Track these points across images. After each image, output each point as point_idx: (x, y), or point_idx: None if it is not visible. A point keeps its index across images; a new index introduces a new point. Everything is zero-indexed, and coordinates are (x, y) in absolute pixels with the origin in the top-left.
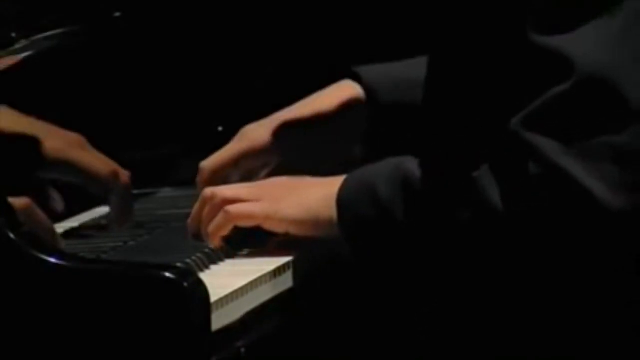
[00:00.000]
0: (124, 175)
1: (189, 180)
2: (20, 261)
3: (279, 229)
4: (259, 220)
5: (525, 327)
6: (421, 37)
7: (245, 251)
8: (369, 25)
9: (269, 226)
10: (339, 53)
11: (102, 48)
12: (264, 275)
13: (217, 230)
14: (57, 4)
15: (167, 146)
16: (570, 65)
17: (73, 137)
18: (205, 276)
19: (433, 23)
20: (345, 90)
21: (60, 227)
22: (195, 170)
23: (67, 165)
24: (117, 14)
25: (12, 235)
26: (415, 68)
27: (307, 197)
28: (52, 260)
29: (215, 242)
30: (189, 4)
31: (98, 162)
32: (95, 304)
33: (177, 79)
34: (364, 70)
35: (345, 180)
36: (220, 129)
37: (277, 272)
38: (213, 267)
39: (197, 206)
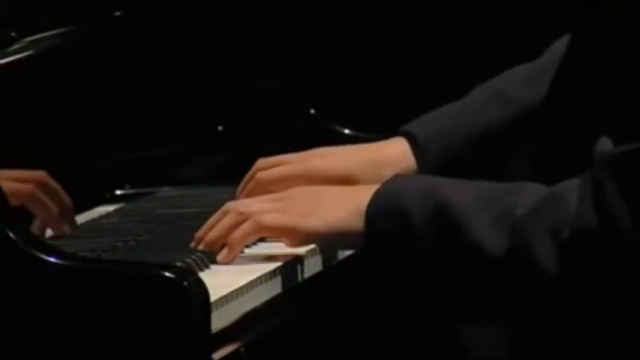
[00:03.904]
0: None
1: (188, 180)
2: (20, 261)
3: (305, 242)
4: (286, 232)
5: (531, 330)
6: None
7: (245, 251)
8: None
9: (295, 239)
10: (338, 53)
11: (102, 48)
12: (264, 275)
13: (244, 237)
14: (57, 4)
15: (167, 146)
16: None
17: None
18: (205, 275)
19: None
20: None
21: None
22: (195, 170)
23: None
24: (117, 14)
25: (12, 235)
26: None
27: (334, 211)
28: (52, 260)
29: (234, 252)
30: (189, 4)
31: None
32: (95, 304)
33: (178, 79)
34: (413, 126)
35: (375, 195)
36: (220, 128)
37: (277, 271)
38: (213, 267)
39: (214, 217)
